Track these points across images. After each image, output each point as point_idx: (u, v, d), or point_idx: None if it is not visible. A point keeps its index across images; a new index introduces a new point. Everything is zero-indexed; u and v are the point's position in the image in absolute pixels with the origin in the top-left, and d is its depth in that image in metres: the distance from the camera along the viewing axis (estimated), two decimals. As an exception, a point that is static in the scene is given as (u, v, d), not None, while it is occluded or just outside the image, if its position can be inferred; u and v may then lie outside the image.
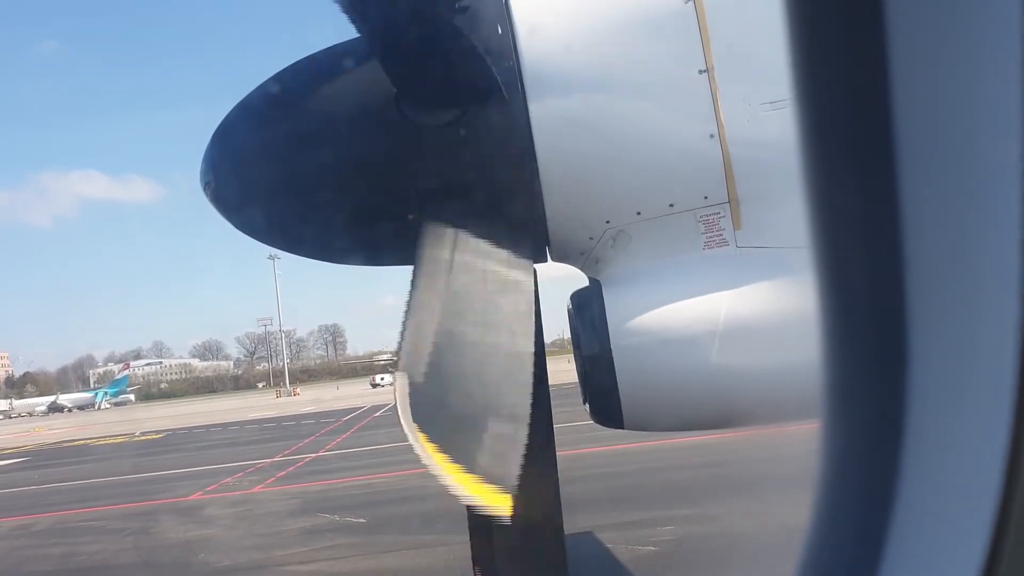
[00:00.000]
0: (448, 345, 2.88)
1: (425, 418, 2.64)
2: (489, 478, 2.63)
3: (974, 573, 0.94)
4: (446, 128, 3.28)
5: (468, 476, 2.61)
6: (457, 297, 3.02)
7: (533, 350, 3.01)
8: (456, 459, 2.62)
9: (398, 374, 2.72)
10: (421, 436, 2.59)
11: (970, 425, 0.98)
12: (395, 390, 2.67)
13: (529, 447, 3.21)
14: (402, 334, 2.89)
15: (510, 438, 2.79)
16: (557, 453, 3.74)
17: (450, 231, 3.15)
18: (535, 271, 3.56)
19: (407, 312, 2.93)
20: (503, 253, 3.20)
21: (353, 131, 3.42)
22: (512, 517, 3.04)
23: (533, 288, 3.26)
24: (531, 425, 3.21)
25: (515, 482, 2.68)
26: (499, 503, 2.60)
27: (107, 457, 30.29)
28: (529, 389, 2.89)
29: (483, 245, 3.17)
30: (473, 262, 3.12)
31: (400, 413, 2.63)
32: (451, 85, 3.26)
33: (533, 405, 3.10)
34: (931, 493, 1.04)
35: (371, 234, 3.75)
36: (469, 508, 2.95)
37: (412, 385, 2.69)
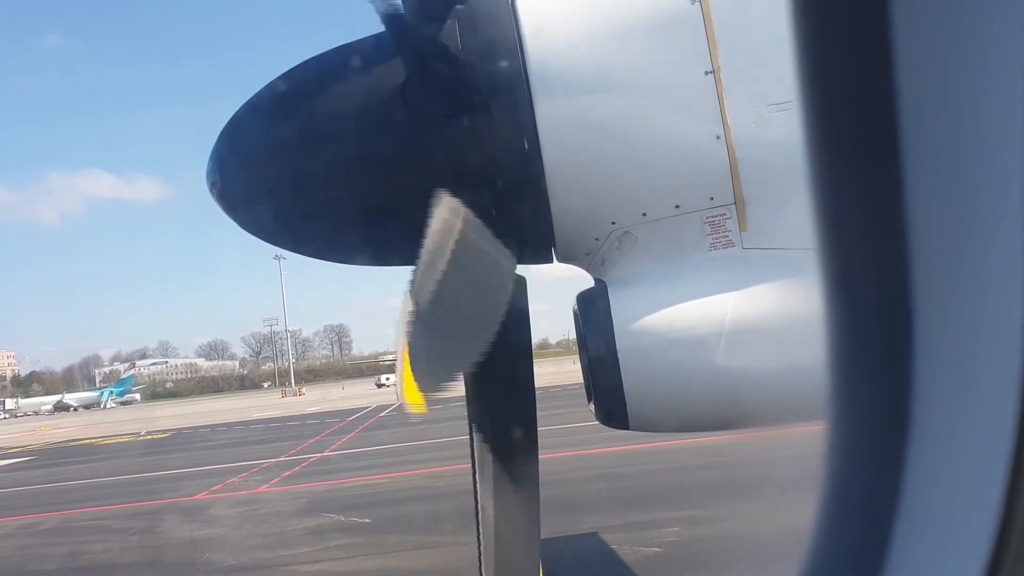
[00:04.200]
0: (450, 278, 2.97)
1: (415, 342, 2.77)
2: (424, 383, 2.81)
3: (978, 572, 0.94)
4: (452, 129, 3.28)
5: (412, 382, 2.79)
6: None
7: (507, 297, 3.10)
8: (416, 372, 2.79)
9: (405, 299, 2.81)
10: (406, 354, 2.76)
11: (975, 424, 0.98)
12: (401, 308, 2.79)
13: (512, 454, 3.23)
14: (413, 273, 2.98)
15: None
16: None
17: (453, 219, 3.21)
18: (525, 280, 3.56)
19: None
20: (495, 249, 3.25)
21: (359, 131, 3.43)
22: (489, 523, 3.07)
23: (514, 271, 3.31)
24: (514, 431, 3.24)
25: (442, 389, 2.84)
26: (415, 401, 2.78)
27: (112, 456, 30.41)
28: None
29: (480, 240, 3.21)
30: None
31: (399, 333, 2.78)
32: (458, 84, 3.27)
33: (518, 410, 3.14)
34: (936, 492, 1.04)
35: (377, 234, 3.75)
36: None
37: (416, 308, 2.79)
